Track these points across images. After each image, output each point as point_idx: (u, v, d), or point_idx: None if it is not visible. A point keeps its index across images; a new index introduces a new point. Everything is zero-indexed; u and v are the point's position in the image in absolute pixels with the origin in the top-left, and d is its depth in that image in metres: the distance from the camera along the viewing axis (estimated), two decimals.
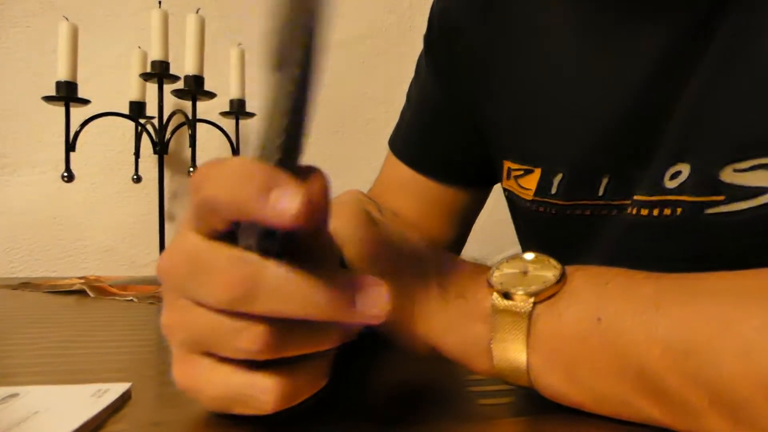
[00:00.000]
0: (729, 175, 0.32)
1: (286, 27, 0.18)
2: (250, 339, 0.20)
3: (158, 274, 0.22)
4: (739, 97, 0.32)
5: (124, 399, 0.26)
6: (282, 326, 0.20)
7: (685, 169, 0.34)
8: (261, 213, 0.18)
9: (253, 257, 0.20)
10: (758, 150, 0.31)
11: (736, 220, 0.32)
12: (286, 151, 0.19)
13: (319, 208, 0.20)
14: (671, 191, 0.35)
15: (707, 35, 0.33)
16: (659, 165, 0.35)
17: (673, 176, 0.35)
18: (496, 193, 0.53)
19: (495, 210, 0.54)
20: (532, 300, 0.24)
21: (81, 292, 0.70)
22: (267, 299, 0.19)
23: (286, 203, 0.18)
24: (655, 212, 0.35)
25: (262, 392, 0.20)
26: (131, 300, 0.65)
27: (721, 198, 0.32)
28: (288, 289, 0.19)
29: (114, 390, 0.26)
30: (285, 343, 0.20)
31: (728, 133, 0.32)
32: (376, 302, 0.20)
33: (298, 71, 0.18)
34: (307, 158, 0.21)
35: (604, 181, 0.39)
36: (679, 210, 0.34)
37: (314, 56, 0.18)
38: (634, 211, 0.37)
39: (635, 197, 0.37)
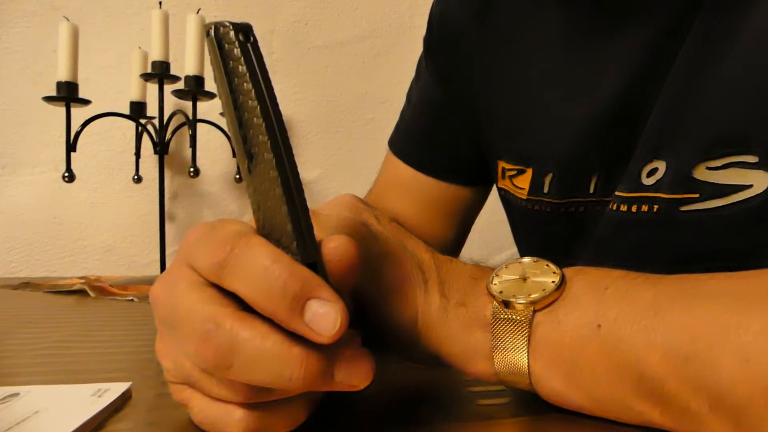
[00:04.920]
0: (703, 173, 0.33)
1: (240, 119, 0.18)
2: (228, 389, 0.20)
3: (150, 301, 0.23)
4: (710, 96, 0.33)
5: (124, 399, 0.26)
6: None
7: (661, 167, 0.35)
8: (296, 328, 0.19)
9: (228, 322, 0.19)
10: (729, 148, 0.32)
11: (711, 217, 0.33)
12: (300, 236, 0.19)
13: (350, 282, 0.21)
14: (648, 188, 0.35)
15: (679, 38, 0.34)
16: (637, 162, 0.36)
17: (650, 173, 0.35)
18: (496, 193, 0.53)
19: (495, 210, 0.54)
20: (532, 308, 0.24)
21: (81, 292, 0.70)
22: (240, 370, 0.19)
23: (324, 325, 0.18)
24: (633, 208, 0.36)
25: (231, 423, 0.21)
26: (131, 300, 0.65)
27: (696, 195, 0.33)
28: (262, 364, 0.19)
29: (114, 390, 0.26)
30: (264, 392, 0.21)
31: (700, 131, 0.33)
32: (356, 375, 0.20)
33: (271, 155, 0.18)
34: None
35: (594, 179, 0.40)
36: (656, 207, 0.35)
37: (279, 133, 0.18)
38: (615, 207, 0.38)
39: (617, 193, 0.38)
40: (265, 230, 0.20)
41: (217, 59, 0.18)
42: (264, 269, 0.19)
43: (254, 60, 0.18)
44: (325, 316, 0.18)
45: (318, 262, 0.20)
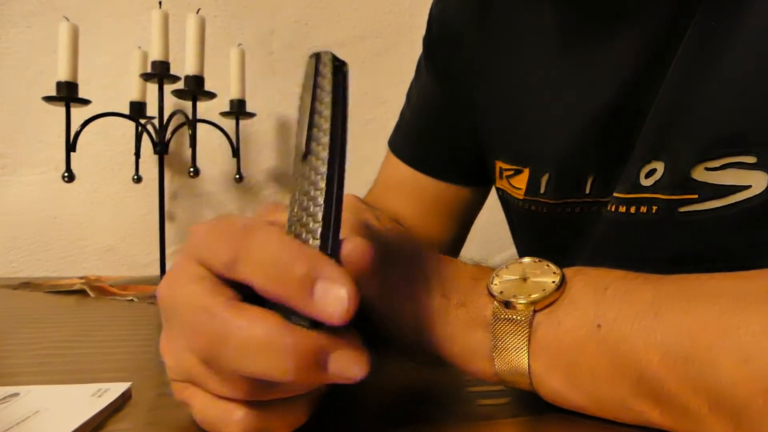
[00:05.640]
0: (701, 174, 0.33)
1: (311, 116, 0.20)
2: (228, 386, 0.20)
3: (157, 297, 0.23)
4: (708, 96, 0.33)
5: (124, 398, 0.26)
6: None
7: (659, 167, 0.35)
8: (306, 309, 0.19)
9: (220, 310, 0.19)
10: (727, 148, 0.32)
11: (709, 218, 0.33)
12: (327, 228, 0.20)
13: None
14: (647, 189, 0.35)
15: (677, 38, 0.34)
16: (635, 163, 0.36)
17: (649, 174, 0.35)
18: (496, 193, 0.53)
19: (495, 210, 0.54)
20: (532, 308, 0.24)
21: (81, 292, 0.70)
22: (233, 360, 0.19)
23: (334, 306, 0.18)
24: (632, 210, 0.36)
25: (232, 422, 0.21)
26: (131, 300, 0.65)
27: (695, 196, 0.33)
28: (253, 352, 0.19)
29: (114, 390, 0.26)
30: (264, 390, 0.21)
31: (698, 131, 0.33)
32: (350, 367, 0.20)
33: (326, 153, 0.20)
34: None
35: (590, 180, 0.39)
36: (654, 208, 0.35)
37: (340, 141, 0.20)
38: (613, 208, 0.38)
39: (615, 194, 0.38)
40: (293, 218, 0.21)
41: (309, 80, 0.21)
42: (273, 253, 0.19)
43: (340, 92, 0.21)
44: (335, 297, 0.18)
45: (336, 259, 0.20)
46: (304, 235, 0.20)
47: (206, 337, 0.19)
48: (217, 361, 0.19)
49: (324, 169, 0.20)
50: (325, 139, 0.20)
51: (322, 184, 0.20)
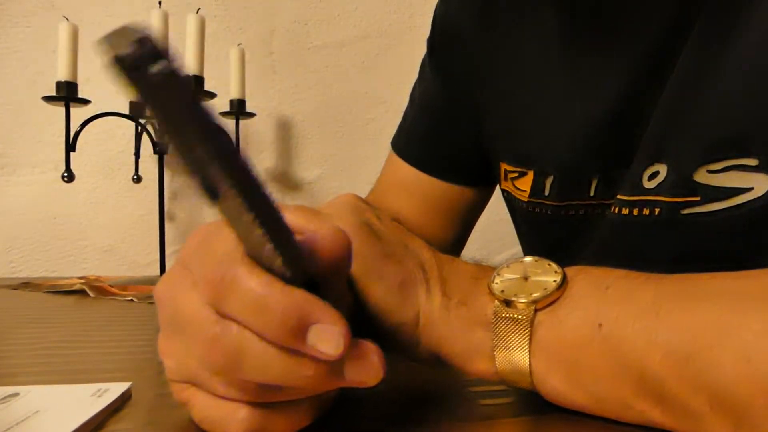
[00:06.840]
0: (703, 176, 0.33)
1: (195, 160, 0.15)
2: (238, 389, 0.20)
3: (155, 300, 0.23)
4: (710, 99, 0.33)
5: (124, 399, 0.26)
6: None
7: (662, 170, 0.35)
8: (301, 350, 0.19)
9: (234, 324, 0.19)
10: (729, 151, 0.32)
11: (711, 220, 0.33)
12: (282, 250, 0.18)
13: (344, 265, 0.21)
14: (649, 191, 0.35)
15: (681, 41, 0.34)
16: (638, 165, 0.36)
17: (651, 176, 0.35)
18: (497, 193, 0.53)
19: (495, 210, 0.54)
20: (533, 307, 0.24)
21: (81, 292, 0.70)
22: (250, 372, 0.19)
23: (329, 345, 0.18)
24: (635, 212, 0.36)
25: (234, 422, 0.21)
26: (131, 300, 0.65)
27: (697, 199, 0.33)
28: (272, 364, 0.19)
29: (114, 390, 0.26)
30: (273, 392, 0.20)
31: (700, 134, 0.33)
32: (365, 372, 0.20)
33: (232, 186, 0.16)
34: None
35: (594, 182, 0.40)
36: (657, 210, 0.35)
37: (235, 164, 0.16)
38: (617, 210, 0.38)
39: (618, 196, 0.38)
40: (249, 251, 0.19)
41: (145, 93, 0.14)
42: (259, 305, 0.18)
43: (178, 85, 0.14)
44: (328, 340, 0.18)
45: (308, 271, 0.20)
46: (274, 267, 0.19)
47: (221, 351, 0.19)
48: (234, 373, 0.19)
49: (241, 202, 0.16)
50: (220, 171, 0.15)
51: (250, 218, 0.16)
